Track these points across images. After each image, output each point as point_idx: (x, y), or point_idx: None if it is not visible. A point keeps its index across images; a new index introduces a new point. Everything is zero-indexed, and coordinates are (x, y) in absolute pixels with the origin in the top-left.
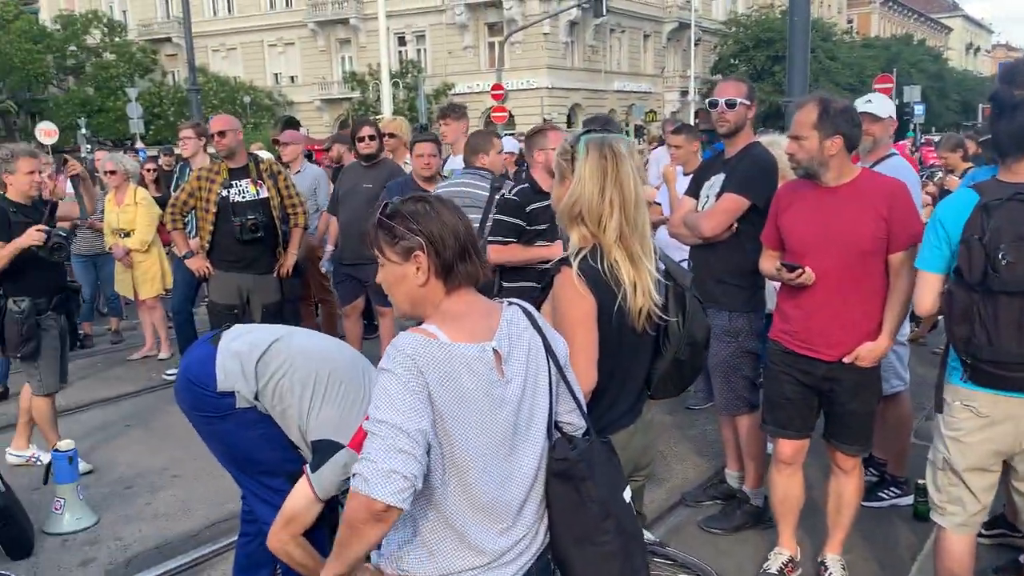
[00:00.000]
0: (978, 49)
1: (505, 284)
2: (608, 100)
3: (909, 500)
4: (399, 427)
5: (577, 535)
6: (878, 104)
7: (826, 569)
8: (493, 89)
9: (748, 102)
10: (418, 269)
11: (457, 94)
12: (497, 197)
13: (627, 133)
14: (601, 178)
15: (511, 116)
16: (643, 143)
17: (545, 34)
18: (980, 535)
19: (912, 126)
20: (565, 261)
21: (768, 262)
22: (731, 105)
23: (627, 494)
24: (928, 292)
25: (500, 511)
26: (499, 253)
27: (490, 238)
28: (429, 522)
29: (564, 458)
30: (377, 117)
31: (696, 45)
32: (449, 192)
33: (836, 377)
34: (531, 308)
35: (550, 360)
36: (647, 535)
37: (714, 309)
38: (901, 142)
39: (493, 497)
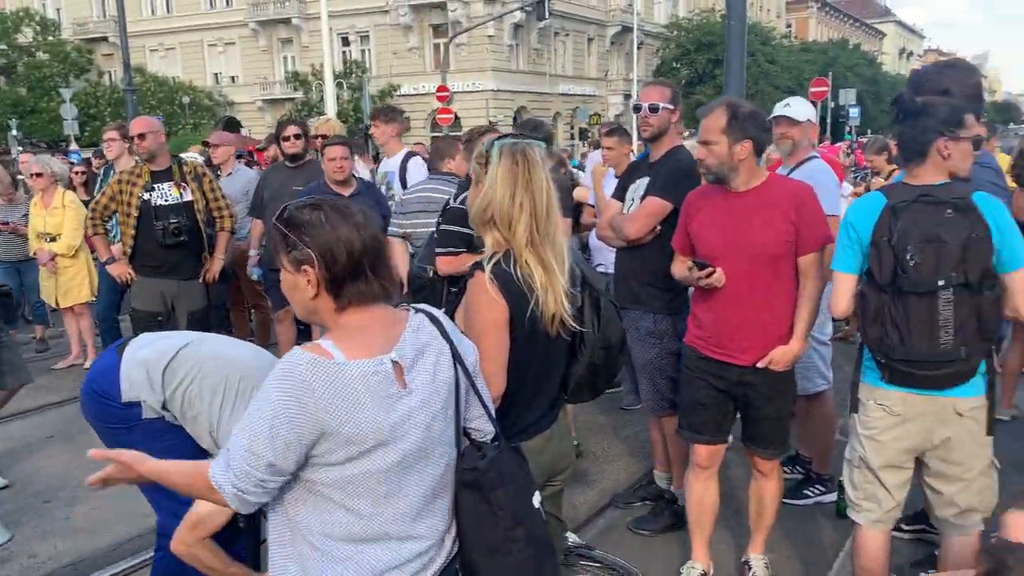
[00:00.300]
0: (911, 54)
1: (453, 290)
2: (553, 103)
3: (833, 497)
4: (265, 461)
5: (487, 545)
6: (796, 107)
7: (749, 569)
8: (438, 91)
9: (671, 106)
10: (308, 282)
11: (403, 95)
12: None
13: (572, 136)
14: (512, 183)
15: (457, 118)
16: (587, 146)
17: (490, 36)
18: (901, 530)
19: (848, 128)
20: (478, 266)
21: (680, 267)
22: (654, 109)
23: (536, 500)
24: (843, 293)
25: (405, 527)
26: (449, 264)
27: (438, 249)
28: (327, 548)
29: (473, 468)
30: (322, 118)
31: (639, 49)
32: (415, 198)
33: (750, 382)
34: (439, 314)
35: (458, 367)
36: (574, 538)
37: (639, 311)
38: (837, 144)
39: (398, 513)
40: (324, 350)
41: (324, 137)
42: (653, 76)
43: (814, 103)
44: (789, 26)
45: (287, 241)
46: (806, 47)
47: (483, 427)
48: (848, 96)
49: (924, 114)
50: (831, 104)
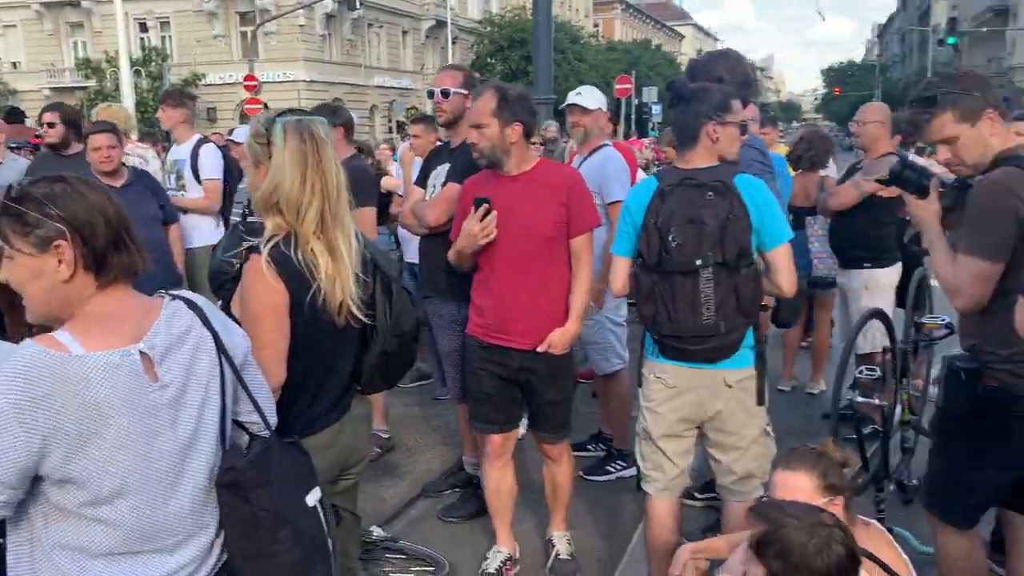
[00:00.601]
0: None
1: None
2: (370, 95)
3: (633, 471)
4: None
5: (250, 548)
6: (587, 96)
7: (553, 546)
8: (246, 80)
9: (464, 91)
10: (60, 262)
11: (209, 85)
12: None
13: (390, 130)
14: (302, 165)
15: (267, 108)
16: (403, 139)
17: (301, 26)
18: (694, 498)
19: (651, 125)
20: (255, 249)
21: (454, 252)
22: (445, 94)
23: (312, 498)
24: (619, 274)
25: (165, 536)
26: None
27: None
28: (75, 565)
29: (232, 467)
30: (101, 105)
31: (454, 43)
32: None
33: (531, 367)
34: (201, 301)
35: (222, 358)
36: (379, 531)
37: (442, 299)
38: (643, 139)
39: (156, 521)
40: (58, 343)
41: None
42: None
43: (619, 100)
44: (596, 26)
45: (25, 220)
46: (612, 46)
47: (256, 421)
48: (651, 94)
49: (695, 99)
50: (635, 101)
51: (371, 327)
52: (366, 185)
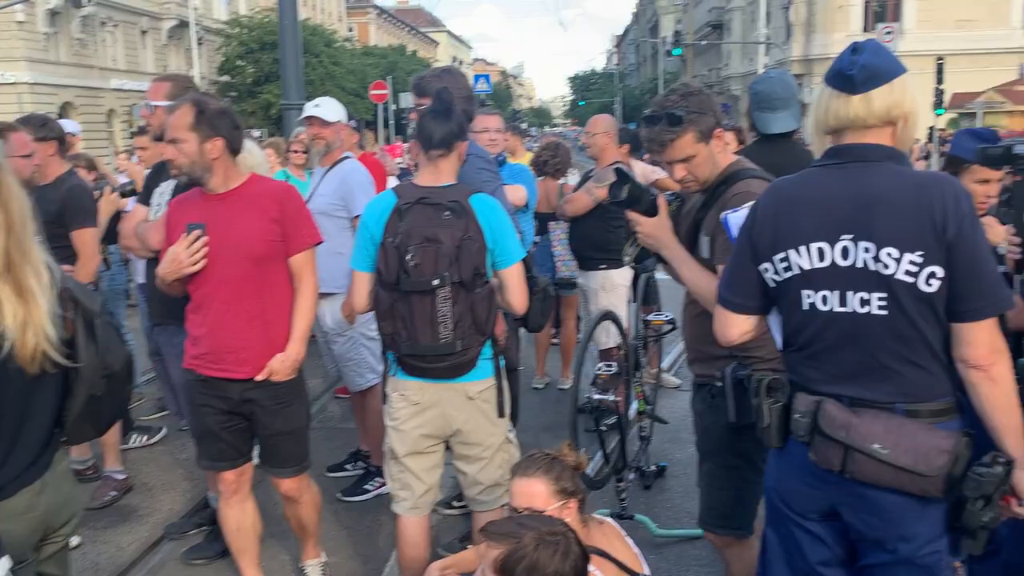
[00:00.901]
0: (462, 62)
1: None
2: (106, 99)
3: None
4: None
5: None
6: (326, 108)
7: None
8: None
9: (170, 104)
10: None
11: None
12: None
13: (132, 135)
14: None
15: None
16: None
17: (20, 23)
18: (451, 507)
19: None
20: None
21: (160, 280)
22: (151, 109)
23: (3, 566)
24: (361, 289)
25: None
26: None
27: None
28: None
29: None
30: None
31: (200, 45)
32: None
33: (253, 398)
34: None
35: None
36: None
37: (175, 326)
38: (404, 144)
39: None
40: None
41: None
42: (218, 74)
43: (376, 105)
44: (351, 30)
45: None
46: (368, 51)
47: None
48: (408, 99)
49: (454, 114)
50: (393, 107)
51: (74, 370)
52: (85, 204)
